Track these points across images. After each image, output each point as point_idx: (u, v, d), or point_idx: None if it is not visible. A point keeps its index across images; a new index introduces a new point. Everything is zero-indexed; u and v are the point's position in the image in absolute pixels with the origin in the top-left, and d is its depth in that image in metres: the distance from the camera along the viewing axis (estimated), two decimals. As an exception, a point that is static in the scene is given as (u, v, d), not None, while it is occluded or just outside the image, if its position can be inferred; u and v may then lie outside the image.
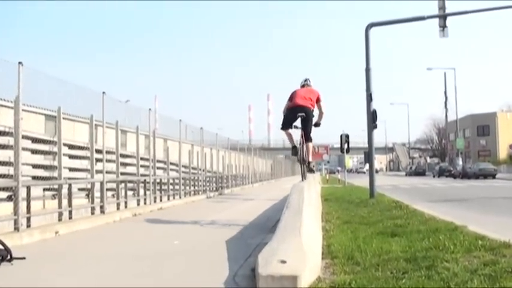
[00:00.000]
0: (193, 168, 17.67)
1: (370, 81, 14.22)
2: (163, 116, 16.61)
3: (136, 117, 12.72)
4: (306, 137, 8.44)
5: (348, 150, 23.54)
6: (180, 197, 14.86)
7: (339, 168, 44.69)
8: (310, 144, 8.58)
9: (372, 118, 14.06)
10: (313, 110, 8.44)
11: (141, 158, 12.82)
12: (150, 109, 12.89)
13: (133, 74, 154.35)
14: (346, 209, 9.93)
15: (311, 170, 8.87)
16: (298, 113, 8.24)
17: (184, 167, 16.56)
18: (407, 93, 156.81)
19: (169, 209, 11.91)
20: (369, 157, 15.24)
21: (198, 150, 18.15)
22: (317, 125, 8.66)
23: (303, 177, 8.93)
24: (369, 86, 14.19)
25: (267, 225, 7.74)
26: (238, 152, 26.05)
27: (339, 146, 23.91)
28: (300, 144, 8.52)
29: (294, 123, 8.46)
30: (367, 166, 43.80)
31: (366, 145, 16.09)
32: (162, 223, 9.19)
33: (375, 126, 14.24)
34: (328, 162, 46.35)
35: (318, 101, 8.51)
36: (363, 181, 24.97)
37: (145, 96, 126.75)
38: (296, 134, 8.62)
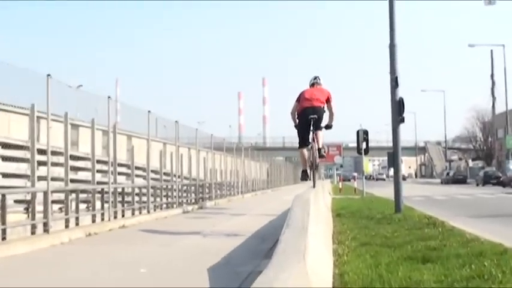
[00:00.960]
0: (165, 174, 17.64)
1: (396, 62, 14.18)
2: (127, 105, 16.47)
3: (91, 108, 12.67)
4: (316, 130, 9.60)
5: (366, 151, 23.56)
6: (148, 212, 14.83)
7: (355, 174, 44.80)
8: (320, 133, 9.64)
9: (398, 109, 14.07)
10: (323, 108, 9.59)
11: (98, 161, 12.78)
12: (109, 97, 12.77)
13: (90, 54, 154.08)
14: (364, 227, 9.96)
15: (322, 156, 9.85)
16: (310, 115, 9.37)
17: (154, 172, 16.52)
18: (444, 78, 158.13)
19: (134, 227, 11.87)
20: (393, 160, 15.27)
21: (172, 150, 18.11)
22: (328, 127, 9.89)
23: (313, 183, 10.02)
24: (394, 67, 14.16)
25: (261, 249, 7.76)
26: (224, 153, 26.05)
27: (355, 145, 23.99)
28: (310, 147, 9.59)
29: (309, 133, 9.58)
30: (391, 171, 43.92)
31: (390, 144, 16.13)
32: (125, 245, 9.17)
33: (402, 120, 14.26)
34: (342, 166, 46.39)
35: (328, 101, 9.65)
36: (385, 191, 25.06)
37: (105, 82, 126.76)
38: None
